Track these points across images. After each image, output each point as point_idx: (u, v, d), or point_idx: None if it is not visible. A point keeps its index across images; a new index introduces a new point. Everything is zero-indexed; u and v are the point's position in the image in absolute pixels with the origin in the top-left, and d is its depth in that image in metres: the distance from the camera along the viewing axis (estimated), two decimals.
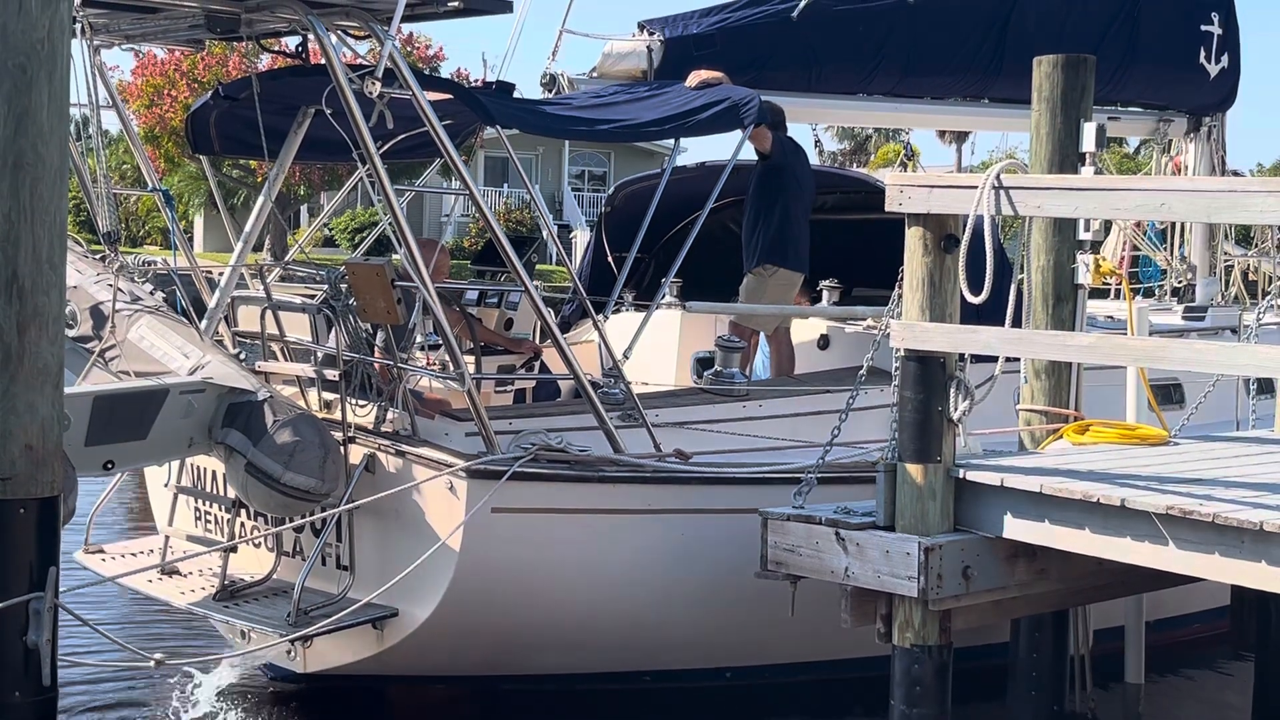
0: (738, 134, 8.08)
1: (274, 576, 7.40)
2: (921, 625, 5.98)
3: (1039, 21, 10.59)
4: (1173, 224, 11.78)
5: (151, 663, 6.07)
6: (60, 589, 5.27)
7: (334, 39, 6.78)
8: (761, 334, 8.96)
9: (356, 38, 7.22)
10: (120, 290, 7.18)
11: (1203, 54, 11.47)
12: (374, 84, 6.53)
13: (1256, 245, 12.93)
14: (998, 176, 5.81)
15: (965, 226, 5.87)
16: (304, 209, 41.34)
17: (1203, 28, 11.48)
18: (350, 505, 6.94)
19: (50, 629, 5.22)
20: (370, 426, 7.17)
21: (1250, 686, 7.70)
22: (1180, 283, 11.79)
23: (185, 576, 7.71)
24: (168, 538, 7.94)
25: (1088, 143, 7.02)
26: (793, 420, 7.74)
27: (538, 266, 33.20)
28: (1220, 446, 7.09)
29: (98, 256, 7.71)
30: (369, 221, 36.34)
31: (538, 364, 9.11)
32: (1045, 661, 6.93)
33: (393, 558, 6.91)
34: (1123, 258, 11.88)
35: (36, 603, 5.19)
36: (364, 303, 7.08)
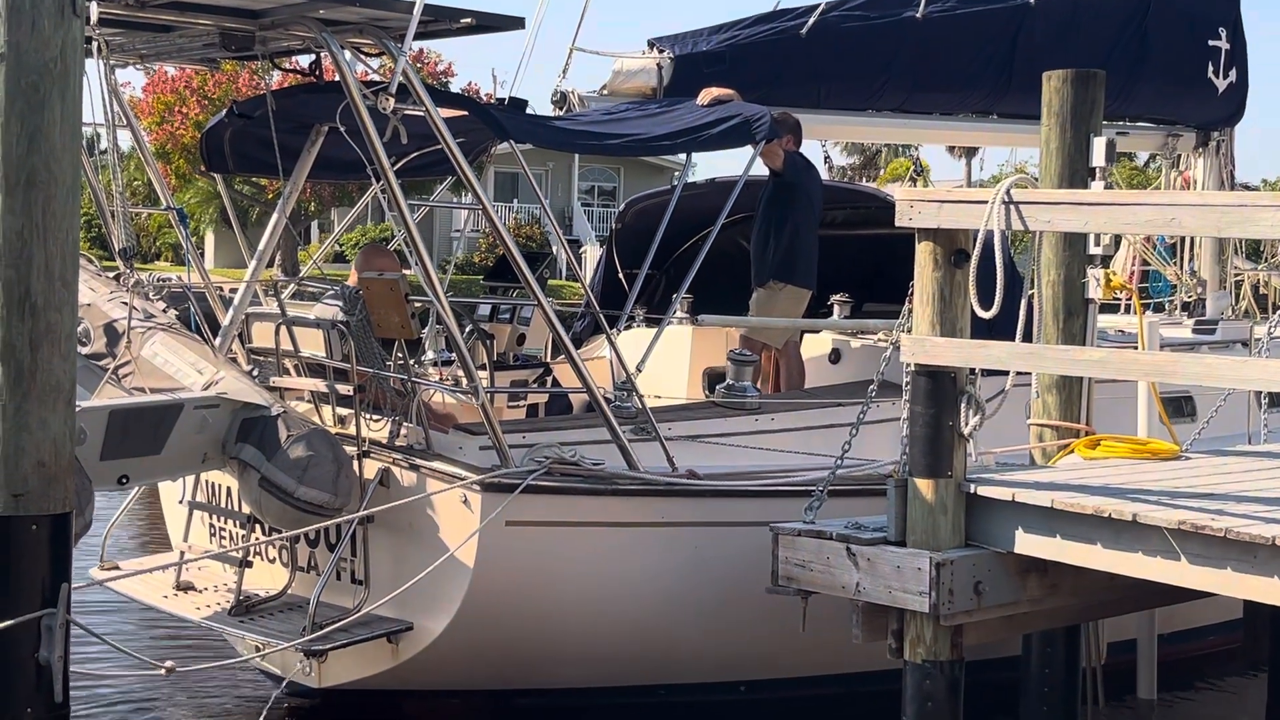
0: (748, 150, 8.11)
1: (289, 591, 7.43)
2: (933, 641, 5.98)
3: (1047, 37, 10.61)
4: (1182, 238, 11.79)
5: (163, 670, 6.09)
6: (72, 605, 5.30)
7: (348, 55, 6.83)
8: None
9: (369, 54, 7.27)
10: (134, 307, 7.21)
11: (1211, 69, 11.49)
12: (388, 99, 6.58)
13: (1266, 259, 12.93)
14: (1008, 191, 5.82)
15: (975, 241, 5.89)
16: (314, 225, 41.47)
17: (1210, 43, 11.51)
18: (366, 511, 6.96)
19: (62, 646, 5.23)
20: (385, 441, 7.20)
21: (1264, 701, 7.69)
22: (1190, 297, 11.79)
23: (200, 592, 7.74)
24: (183, 553, 7.96)
25: (1098, 157, 7.04)
26: (804, 434, 7.75)
27: (549, 282, 33.19)
28: (1232, 461, 7.08)
29: (112, 275, 7.75)
30: (379, 237, 36.43)
31: (550, 378, 9.13)
32: (1057, 676, 6.93)
33: (408, 572, 6.93)
34: (1132, 272, 11.88)
35: (48, 619, 5.20)
36: (378, 317, 7.12)
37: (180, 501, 8.11)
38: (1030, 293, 7.04)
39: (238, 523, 7.70)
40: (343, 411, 7.38)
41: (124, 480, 6.71)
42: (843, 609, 6.16)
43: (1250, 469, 6.80)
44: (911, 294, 6.12)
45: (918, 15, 10.24)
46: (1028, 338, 6.53)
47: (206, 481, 7.90)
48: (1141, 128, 11.81)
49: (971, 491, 6.03)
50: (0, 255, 5.13)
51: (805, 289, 8.81)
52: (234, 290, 8.47)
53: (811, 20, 9.85)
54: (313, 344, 7.58)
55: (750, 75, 9.36)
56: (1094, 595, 6.37)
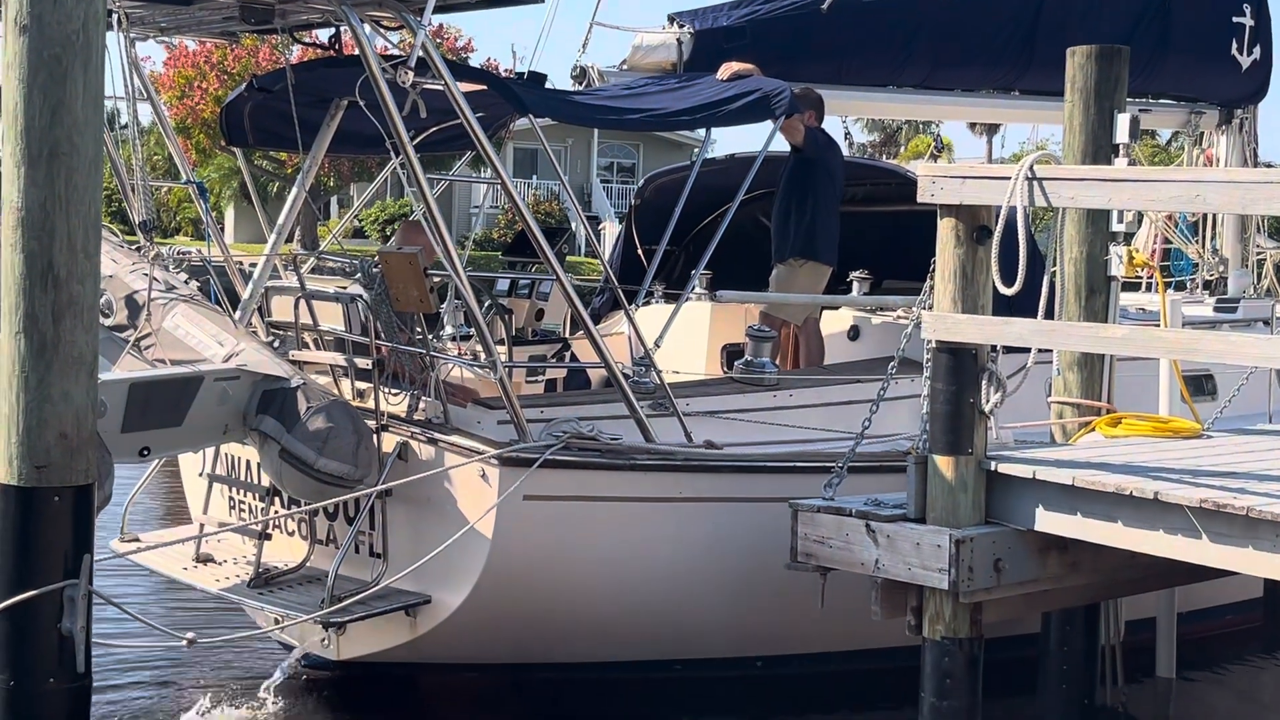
0: (769, 126, 8.09)
1: (308, 564, 7.45)
2: (952, 618, 5.98)
3: (1070, 13, 10.56)
4: (1204, 216, 11.73)
5: (184, 642, 6.12)
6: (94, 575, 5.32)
7: (367, 29, 6.82)
8: None
9: (389, 28, 7.26)
10: (155, 279, 7.23)
11: (1234, 46, 11.42)
12: (407, 73, 6.56)
13: None
14: (1031, 167, 5.79)
15: (998, 217, 5.86)
16: (334, 200, 41.48)
17: (1234, 19, 11.43)
18: (384, 485, 6.98)
19: (84, 616, 5.26)
20: (403, 415, 7.21)
21: None
22: (1212, 275, 11.74)
23: (220, 564, 7.77)
24: (202, 526, 7.99)
25: (1121, 134, 7.00)
26: (823, 410, 7.74)
27: (568, 258, 33.17)
28: (1254, 439, 7.05)
29: (133, 247, 7.77)
30: (399, 213, 36.48)
31: (568, 353, 9.13)
32: (1076, 655, 6.93)
33: (426, 545, 6.95)
34: (1154, 250, 11.83)
35: (71, 590, 5.23)
36: (397, 291, 7.12)
37: (200, 474, 8.14)
38: (1052, 270, 7.01)
39: (257, 495, 7.73)
40: (361, 385, 7.39)
41: (145, 452, 6.73)
42: (861, 586, 6.15)
43: (1272, 448, 6.77)
44: (933, 271, 6.10)
45: None
46: (1049, 315, 6.49)
47: (226, 454, 7.92)
48: (1164, 105, 11.76)
49: (992, 469, 6.01)
50: (23, 227, 5.15)
51: (826, 266, 8.78)
52: (253, 264, 8.48)
53: None
54: (331, 318, 7.59)
55: (771, 50, 9.33)
56: (1114, 573, 6.36)
